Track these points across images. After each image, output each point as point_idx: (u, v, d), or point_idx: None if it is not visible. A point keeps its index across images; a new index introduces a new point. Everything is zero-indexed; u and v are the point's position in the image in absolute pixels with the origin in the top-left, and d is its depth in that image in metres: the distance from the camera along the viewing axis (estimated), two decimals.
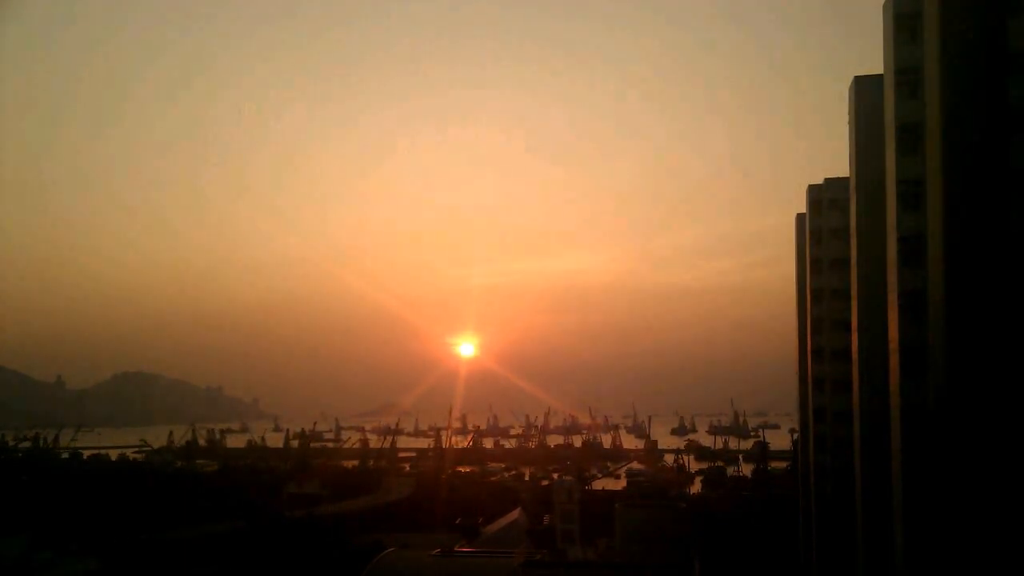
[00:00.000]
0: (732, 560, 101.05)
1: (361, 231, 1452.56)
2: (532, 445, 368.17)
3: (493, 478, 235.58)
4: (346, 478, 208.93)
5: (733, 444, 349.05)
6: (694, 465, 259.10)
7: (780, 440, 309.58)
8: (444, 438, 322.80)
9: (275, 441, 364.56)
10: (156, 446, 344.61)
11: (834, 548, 74.43)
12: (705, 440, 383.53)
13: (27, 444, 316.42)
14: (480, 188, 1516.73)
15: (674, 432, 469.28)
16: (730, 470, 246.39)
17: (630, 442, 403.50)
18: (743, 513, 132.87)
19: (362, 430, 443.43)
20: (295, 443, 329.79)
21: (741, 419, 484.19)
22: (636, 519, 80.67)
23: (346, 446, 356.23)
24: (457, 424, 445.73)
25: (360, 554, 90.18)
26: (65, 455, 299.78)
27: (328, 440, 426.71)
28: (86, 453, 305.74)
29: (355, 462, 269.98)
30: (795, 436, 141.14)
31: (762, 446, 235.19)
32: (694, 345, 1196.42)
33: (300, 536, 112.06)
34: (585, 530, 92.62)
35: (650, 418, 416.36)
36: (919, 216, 48.29)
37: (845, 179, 69.18)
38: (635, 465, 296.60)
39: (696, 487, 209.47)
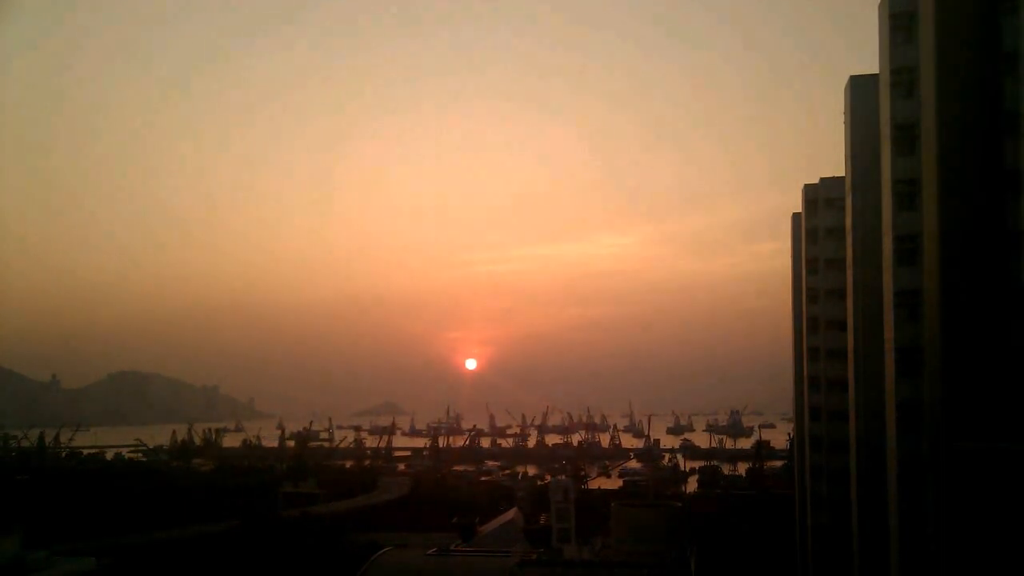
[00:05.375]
0: (728, 558, 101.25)
1: (360, 228, 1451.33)
2: (531, 444, 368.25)
3: (489, 477, 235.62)
4: (342, 477, 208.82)
5: (728, 444, 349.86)
6: (689, 464, 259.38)
7: (777, 439, 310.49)
8: (440, 438, 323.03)
9: (270, 440, 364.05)
10: (151, 445, 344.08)
11: (830, 547, 74.50)
12: (701, 439, 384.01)
13: (27, 443, 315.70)
14: (478, 183, 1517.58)
15: (670, 431, 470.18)
16: (727, 468, 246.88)
17: (629, 441, 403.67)
18: (738, 512, 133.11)
19: (358, 429, 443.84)
20: (291, 443, 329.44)
21: (740, 417, 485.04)
22: (632, 518, 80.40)
23: (340, 446, 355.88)
24: (454, 423, 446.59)
25: (356, 554, 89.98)
26: (64, 454, 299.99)
27: (324, 440, 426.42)
28: (84, 452, 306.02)
29: (351, 461, 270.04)
30: (790, 435, 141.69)
31: (759, 445, 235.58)
32: (692, 344, 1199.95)
33: (296, 536, 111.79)
34: (581, 529, 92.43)
35: (650, 417, 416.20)
36: (915, 215, 48.34)
37: (841, 178, 69.29)
38: (631, 464, 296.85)
39: (692, 486, 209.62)
